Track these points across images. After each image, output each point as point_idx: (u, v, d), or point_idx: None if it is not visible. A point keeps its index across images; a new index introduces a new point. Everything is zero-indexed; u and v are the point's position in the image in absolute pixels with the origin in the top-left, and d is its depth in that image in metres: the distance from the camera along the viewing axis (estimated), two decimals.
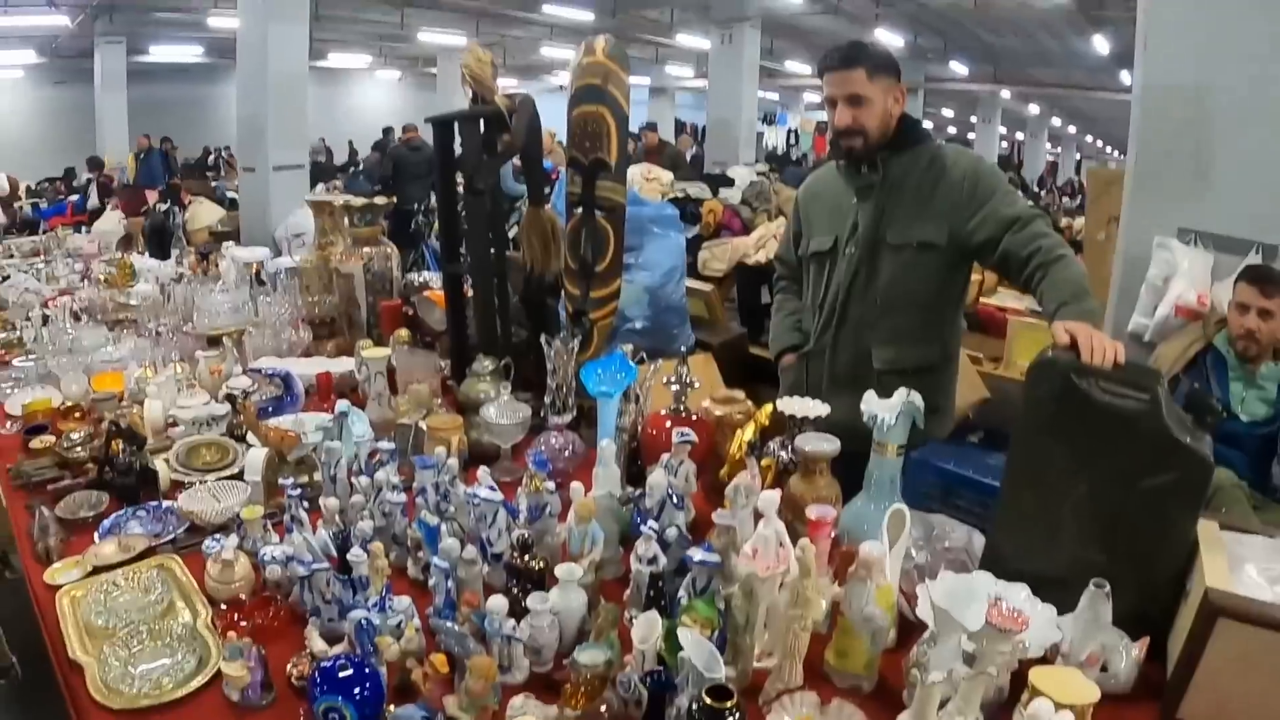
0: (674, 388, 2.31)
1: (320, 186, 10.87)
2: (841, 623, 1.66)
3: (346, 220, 3.48)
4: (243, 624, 1.74)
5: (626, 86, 2.60)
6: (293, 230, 8.37)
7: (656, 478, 1.97)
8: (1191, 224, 4.06)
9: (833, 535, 1.86)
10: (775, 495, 1.75)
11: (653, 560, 1.76)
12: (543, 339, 2.50)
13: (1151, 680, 1.65)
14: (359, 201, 3.45)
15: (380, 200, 3.51)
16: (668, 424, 2.26)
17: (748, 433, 2.17)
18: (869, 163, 2.71)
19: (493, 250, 2.71)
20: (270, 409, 2.80)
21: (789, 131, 24.75)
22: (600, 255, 2.64)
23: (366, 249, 3.45)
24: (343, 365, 3.14)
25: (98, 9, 15.99)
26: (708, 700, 1.31)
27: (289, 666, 1.61)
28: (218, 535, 2.03)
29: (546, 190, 2.90)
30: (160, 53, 20.37)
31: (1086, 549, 1.81)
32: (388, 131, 16.30)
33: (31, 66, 20.40)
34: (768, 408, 2.18)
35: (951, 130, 34.41)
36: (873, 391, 2.07)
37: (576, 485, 1.97)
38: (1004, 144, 31.87)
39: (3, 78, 20.80)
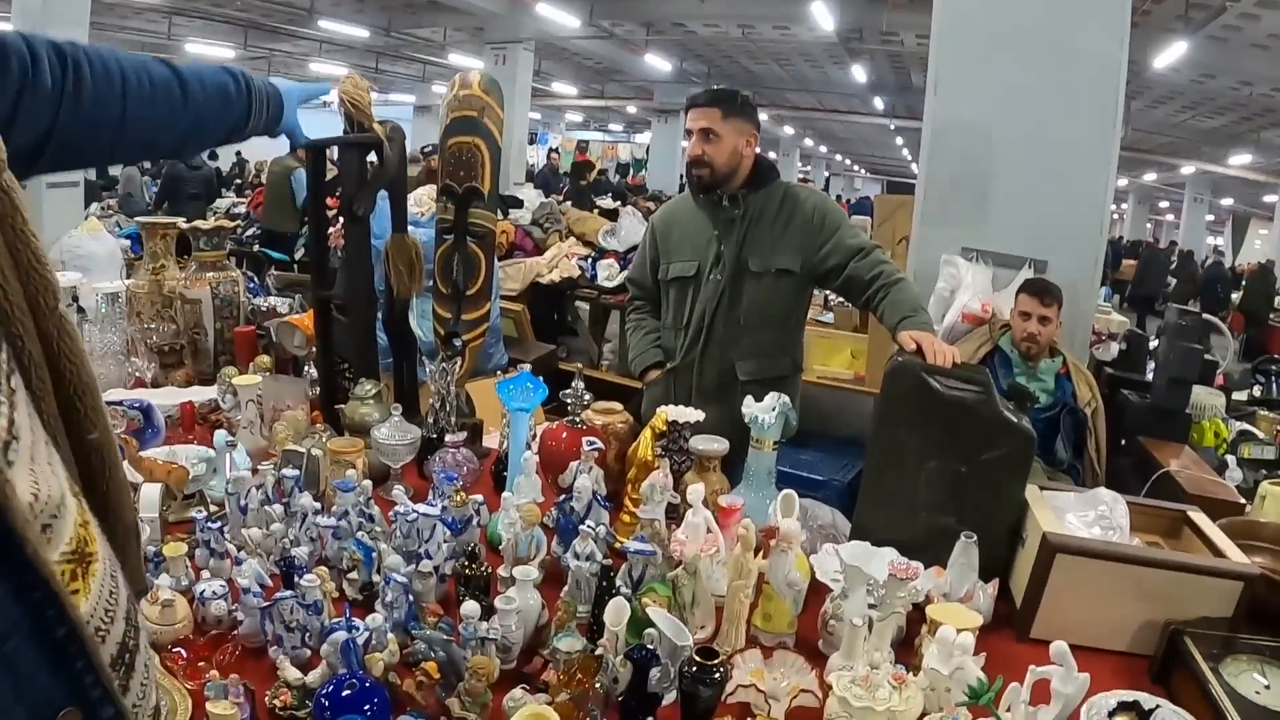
0: (568, 400, 2.44)
1: (94, 206, 10.40)
2: (766, 590, 1.95)
3: (195, 243, 3.42)
4: (200, 663, 1.72)
5: (501, 119, 2.72)
6: (69, 253, 7.96)
7: (583, 481, 2.14)
8: (973, 243, 4.60)
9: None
10: (701, 488, 2.05)
11: (590, 556, 1.94)
12: (425, 362, 2.60)
13: (1000, 613, 2.08)
14: (206, 224, 3.40)
15: (227, 223, 3.47)
16: (564, 435, 2.41)
17: (648, 438, 2.31)
18: (729, 198, 3.06)
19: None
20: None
21: (549, 150, 25.06)
22: (472, 279, 2.74)
23: (212, 273, 3.40)
24: (198, 394, 3.09)
25: None
26: (700, 659, 1.55)
27: (267, 698, 1.62)
28: None
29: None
30: None
31: (939, 515, 2.22)
32: None
33: None
34: (663, 415, 2.37)
35: None
36: (751, 397, 2.42)
37: (507, 495, 2.15)
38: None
39: None
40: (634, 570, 1.90)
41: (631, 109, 28.85)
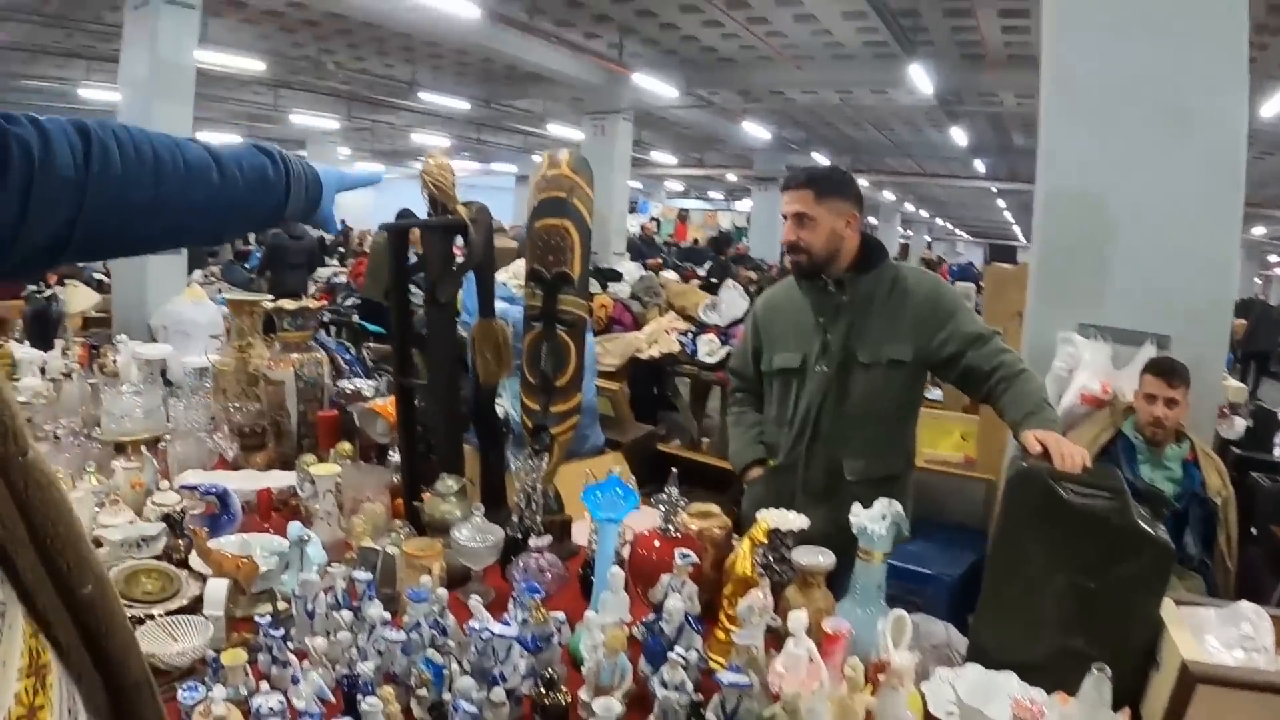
0: (661, 507, 2.27)
1: (197, 273, 10.57)
2: None
3: (280, 323, 3.35)
4: None
5: (591, 199, 2.59)
6: (171, 319, 8.06)
7: (674, 603, 1.95)
8: (1091, 319, 4.32)
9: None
10: (804, 615, 1.85)
11: (680, 686, 1.75)
12: (510, 457, 2.47)
13: None
14: (291, 305, 3.32)
15: (313, 304, 3.39)
16: (656, 543, 2.24)
17: (746, 551, 2.14)
18: (835, 282, 2.86)
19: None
20: (205, 529, 2.64)
21: (651, 219, 25.20)
22: (561, 370, 2.61)
23: (296, 355, 3.32)
24: (277, 480, 2.99)
25: None
26: None
27: None
28: (191, 683, 1.83)
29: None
30: None
31: (1066, 636, 1.99)
32: None
33: None
34: (764, 524, 2.18)
35: None
36: (859, 504, 2.18)
37: (591, 614, 1.97)
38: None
39: None
40: (727, 703, 1.72)
41: (731, 176, 28.90)
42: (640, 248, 17.34)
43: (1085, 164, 4.38)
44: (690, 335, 6.71)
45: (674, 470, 2.36)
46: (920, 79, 12.53)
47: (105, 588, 0.79)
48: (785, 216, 2.89)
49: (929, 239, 44.34)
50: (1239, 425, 5.44)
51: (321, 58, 15.32)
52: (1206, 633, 2.01)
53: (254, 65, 14.09)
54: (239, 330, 3.59)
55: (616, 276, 7.66)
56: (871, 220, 36.22)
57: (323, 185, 1.68)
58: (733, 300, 6.93)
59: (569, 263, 2.55)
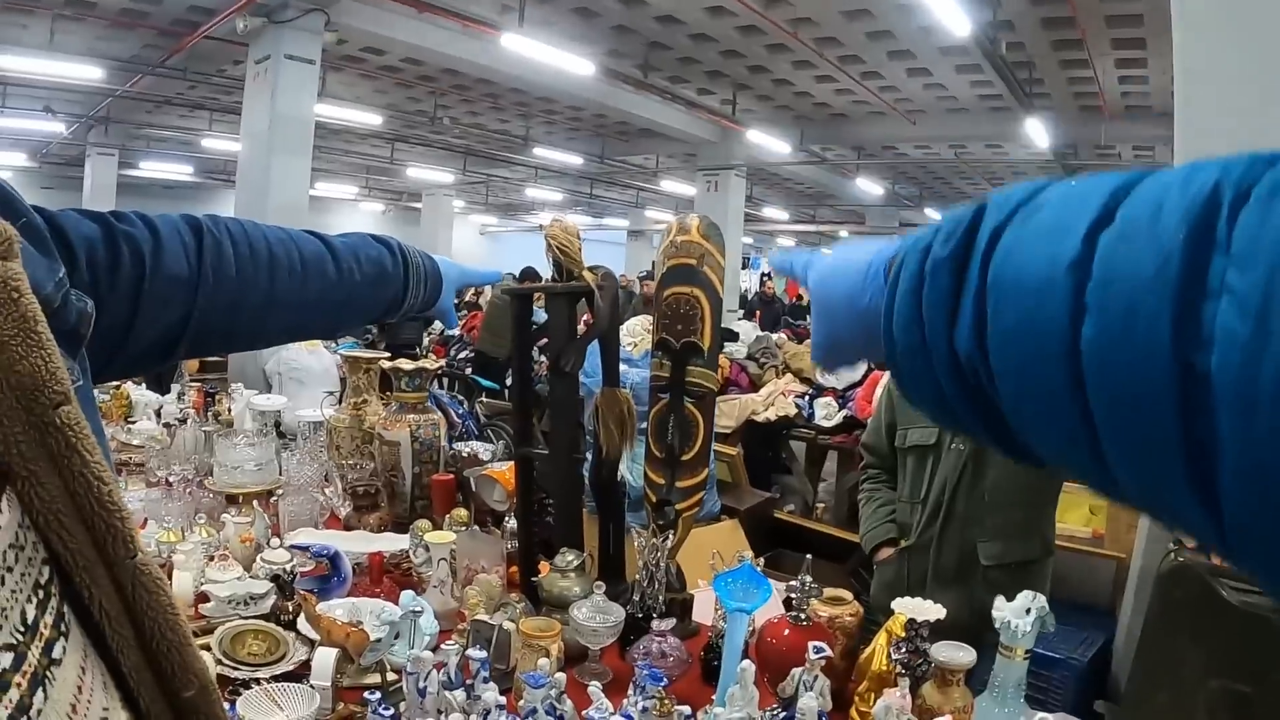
0: (793, 596, 2.16)
1: None
2: None
3: (397, 383, 3.31)
4: None
5: (723, 267, 2.50)
6: (286, 366, 8.15)
7: (808, 701, 1.84)
8: None
9: None
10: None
11: None
12: (634, 532, 2.38)
13: None
14: (409, 365, 3.28)
15: (430, 364, 3.35)
16: (786, 632, 2.13)
17: (883, 645, 2.02)
18: None
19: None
20: (314, 591, 2.58)
21: (761, 275, 25.08)
22: (689, 444, 2.51)
23: (413, 415, 3.27)
24: (389, 543, 2.92)
25: (94, 119, 16.04)
26: None
27: None
28: None
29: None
30: (151, 168, 20.43)
31: None
32: None
33: (20, 169, 20.38)
34: (900, 616, 2.07)
35: None
36: (1001, 596, 2.04)
37: (719, 710, 1.85)
38: None
39: None
40: None
41: (843, 233, 28.72)
42: (756, 306, 17.16)
43: None
44: (807, 398, 6.58)
45: (809, 557, 2.26)
46: (1036, 133, 12.33)
47: (208, 693, 0.77)
48: None
49: None
50: None
51: (437, 113, 15.60)
52: None
53: (371, 119, 14.42)
54: (355, 387, 3.57)
55: (733, 337, 7.55)
56: None
57: (442, 278, 1.68)
58: None
59: (699, 333, 2.46)
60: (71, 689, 0.62)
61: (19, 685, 0.55)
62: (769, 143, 14.68)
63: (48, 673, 0.59)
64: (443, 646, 2.05)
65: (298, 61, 9.79)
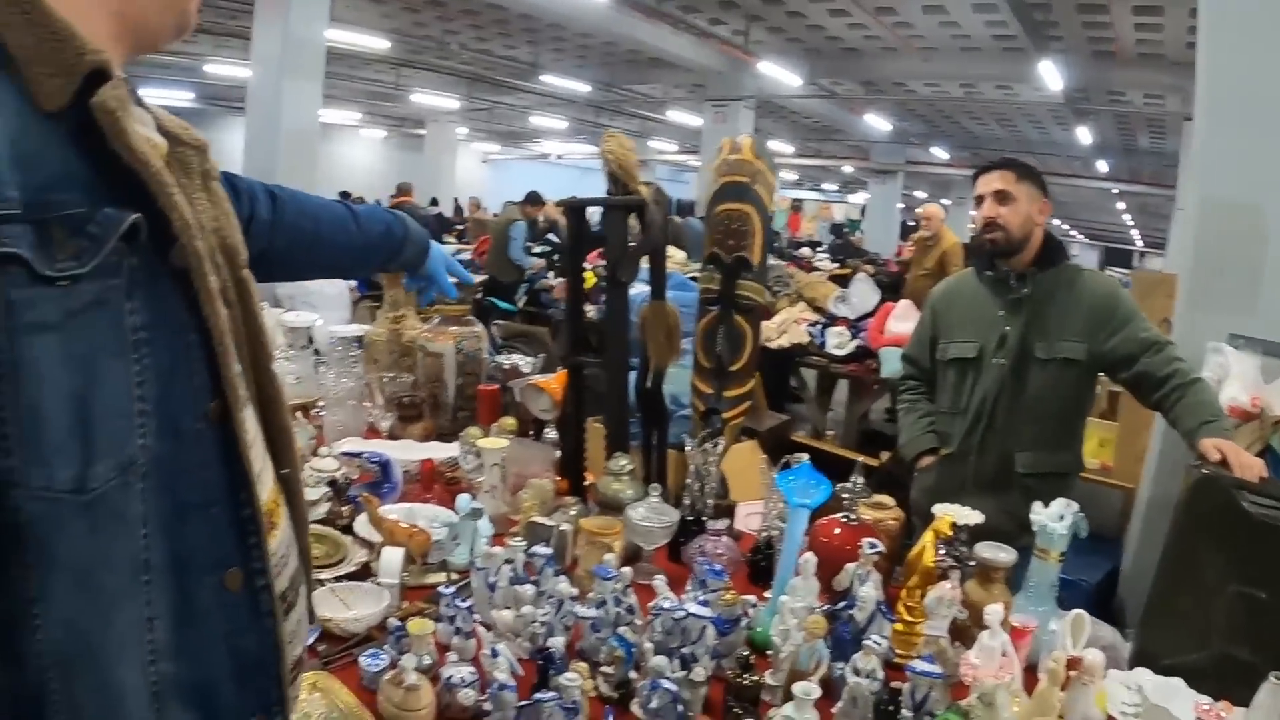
0: (845, 496, 2.25)
1: None
2: None
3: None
4: None
5: (773, 187, 2.57)
6: (299, 289, 8.14)
7: (868, 590, 1.95)
8: (1242, 330, 4.14)
9: None
10: (1000, 608, 1.84)
11: (871, 674, 1.75)
12: (686, 440, 2.46)
13: None
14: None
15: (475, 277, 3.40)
16: (837, 530, 2.23)
17: (930, 544, 2.12)
18: (1017, 276, 2.88)
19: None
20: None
21: None
22: (737, 355, 2.59)
23: (456, 328, 3.33)
24: (437, 451, 3.00)
25: None
26: None
27: None
28: (372, 649, 1.85)
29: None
30: (150, 95, 20.18)
31: (1233, 646, 2.02)
32: (345, 195, 15.41)
33: None
34: (946, 518, 2.17)
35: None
36: (1037, 501, 2.19)
37: (784, 599, 1.94)
38: (972, 225, 32.40)
39: None
40: (917, 692, 1.71)
41: (848, 168, 28.59)
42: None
43: (1243, 173, 4.23)
44: (820, 327, 6.60)
45: (860, 461, 2.35)
46: (1050, 75, 12.22)
47: (297, 474, 1.15)
48: (981, 198, 2.94)
49: None
50: None
51: (445, 38, 15.46)
52: None
53: (379, 43, 14.24)
54: (393, 301, 3.61)
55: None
56: None
57: (430, 250, 2.23)
58: (864, 293, 6.82)
59: (749, 248, 2.53)
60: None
61: None
62: (780, 75, 14.50)
63: None
64: (510, 543, 2.13)
65: None
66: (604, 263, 2.53)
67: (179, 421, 0.88)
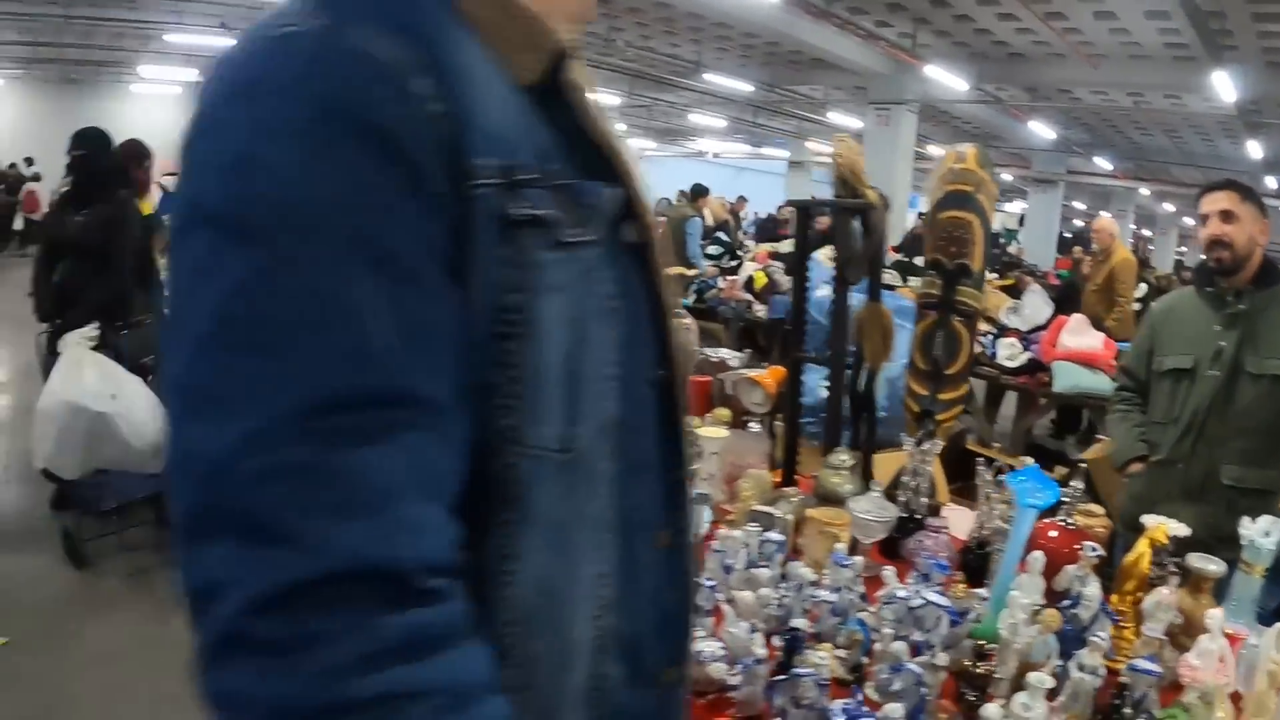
0: (1065, 500, 2.32)
1: None
2: None
3: None
4: None
5: (995, 197, 2.64)
6: None
7: (1092, 589, 2.02)
8: None
9: None
10: (1220, 613, 1.94)
11: (1095, 670, 1.80)
12: (904, 439, 2.54)
13: None
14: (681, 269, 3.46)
15: (686, 271, 3.53)
16: (1053, 534, 2.29)
17: (1146, 550, 2.19)
18: (1234, 293, 2.97)
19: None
20: None
21: (919, 214, 24.62)
22: (953, 359, 2.67)
23: None
24: None
25: None
26: None
27: None
28: None
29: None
30: None
31: None
32: None
33: None
34: (1162, 528, 2.23)
35: (1078, 223, 33.82)
36: (1247, 517, 2.25)
37: (1014, 594, 1.99)
38: (1131, 239, 31.32)
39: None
40: (1135, 691, 1.76)
41: (1007, 176, 28.05)
42: (909, 244, 16.97)
43: None
44: (991, 338, 6.55)
45: (1081, 465, 2.41)
46: (1223, 85, 11.79)
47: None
48: (1206, 217, 3.02)
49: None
50: None
51: (610, 34, 15.63)
52: None
53: None
54: None
55: (915, 270, 7.51)
56: (1146, 233, 34.62)
57: None
58: (1037, 305, 6.75)
59: (970, 255, 2.61)
60: None
61: None
62: (946, 79, 14.27)
63: None
64: (746, 527, 2.25)
65: None
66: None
67: (635, 388, 0.94)
